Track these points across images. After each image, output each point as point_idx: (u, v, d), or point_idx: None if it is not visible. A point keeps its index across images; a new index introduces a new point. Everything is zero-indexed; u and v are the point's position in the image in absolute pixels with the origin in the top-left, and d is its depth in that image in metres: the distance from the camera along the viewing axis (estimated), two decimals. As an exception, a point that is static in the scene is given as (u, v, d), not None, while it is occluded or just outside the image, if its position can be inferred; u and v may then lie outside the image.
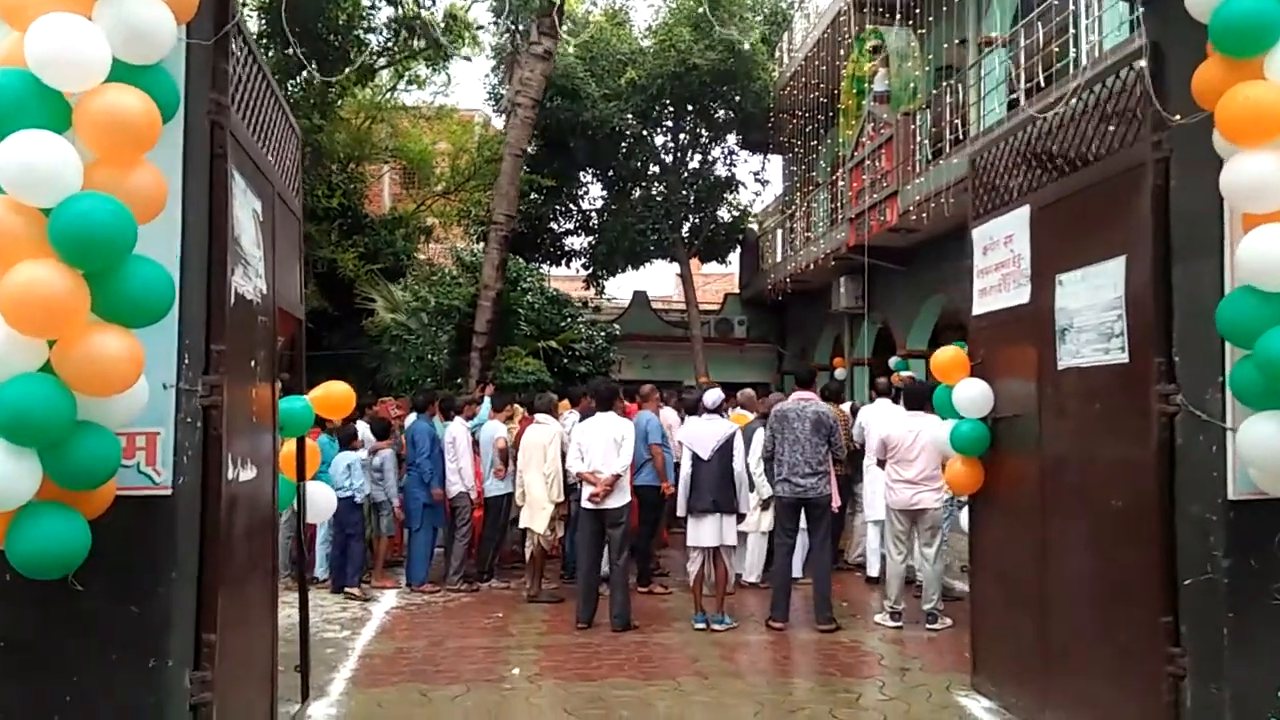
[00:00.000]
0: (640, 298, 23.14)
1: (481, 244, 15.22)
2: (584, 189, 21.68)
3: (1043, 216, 4.85)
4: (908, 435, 7.03)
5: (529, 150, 13.25)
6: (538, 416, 8.05)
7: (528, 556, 8.06)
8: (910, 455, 7.00)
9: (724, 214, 22.29)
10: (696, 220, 21.84)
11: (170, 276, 2.89)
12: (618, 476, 6.98)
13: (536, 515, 7.76)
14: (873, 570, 8.65)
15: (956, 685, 5.56)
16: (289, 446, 5.18)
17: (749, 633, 6.93)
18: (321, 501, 5.31)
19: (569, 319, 13.75)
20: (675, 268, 24.11)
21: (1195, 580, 3.63)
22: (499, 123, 21.23)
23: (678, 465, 8.55)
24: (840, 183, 15.64)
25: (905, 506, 7.01)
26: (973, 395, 5.28)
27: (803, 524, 7.09)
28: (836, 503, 7.00)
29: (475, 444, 9.04)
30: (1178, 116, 3.63)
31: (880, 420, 8.46)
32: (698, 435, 7.10)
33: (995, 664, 5.25)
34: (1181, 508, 3.71)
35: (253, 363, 4.01)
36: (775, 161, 22.95)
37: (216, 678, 3.31)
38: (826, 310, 18.04)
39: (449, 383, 11.90)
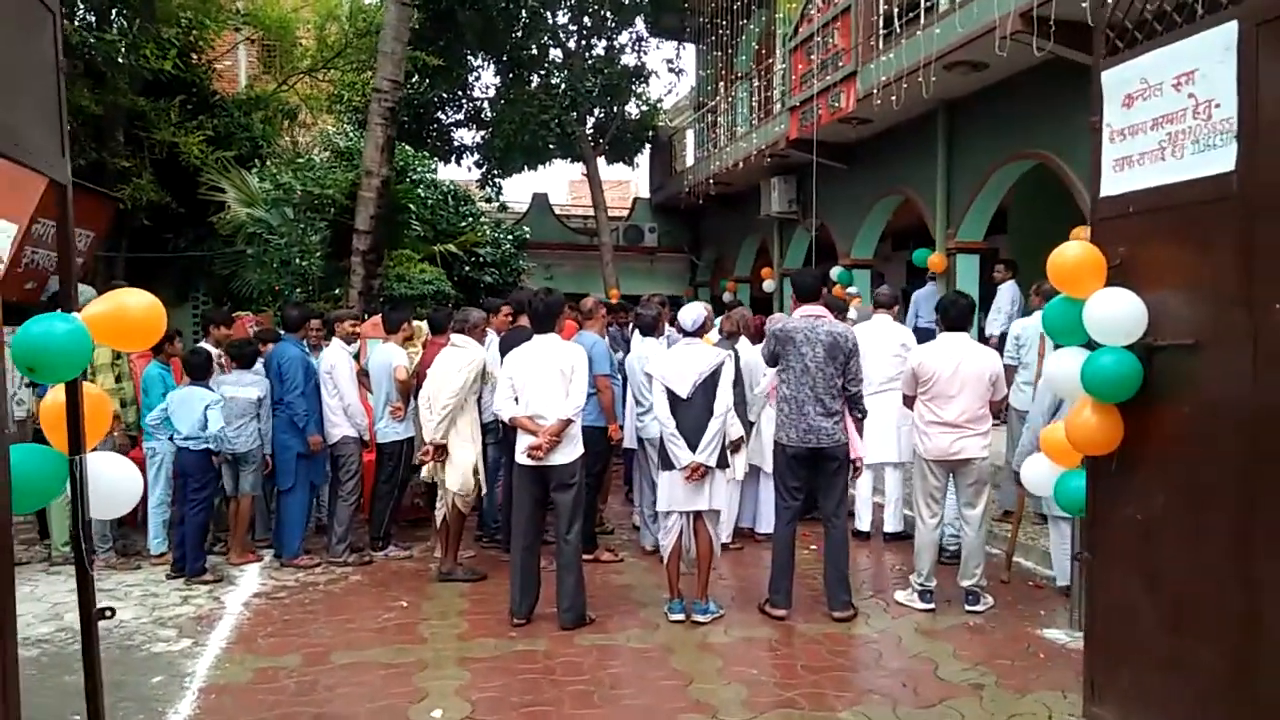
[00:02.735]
0: (540, 200, 20.90)
1: (359, 132, 12.66)
2: (475, 74, 19.10)
3: (1273, 34, 3.13)
4: (946, 364, 5.38)
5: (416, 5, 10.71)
6: (454, 339, 6.02)
7: (438, 521, 6.15)
8: (951, 390, 5.36)
9: (632, 109, 20.15)
10: (602, 115, 19.65)
11: None
12: (568, 422, 5.11)
13: (452, 470, 5.83)
14: (862, 524, 7.14)
15: (1062, 715, 4.03)
16: (56, 397, 3.11)
17: (742, 624, 5.26)
18: (110, 484, 3.24)
19: (469, 219, 11.56)
20: (574, 170, 21.94)
21: None
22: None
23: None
24: (780, 65, 13.73)
25: (943, 456, 5.40)
26: (1119, 313, 3.60)
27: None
28: (857, 453, 5.34)
29: (364, 374, 7.00)
30: None
31: (881, 341, 6.85)
32: (673, 366, 5.27)
33: (1134, 697, 3.70)
34: None
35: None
36: (689, 52, 20.78)
37: None
38: (753, 216, 16.35)
39: (324, 293, 9.65)
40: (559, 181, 39.43)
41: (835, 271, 13.51)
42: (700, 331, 5.40)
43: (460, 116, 19.41)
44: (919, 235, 13.24)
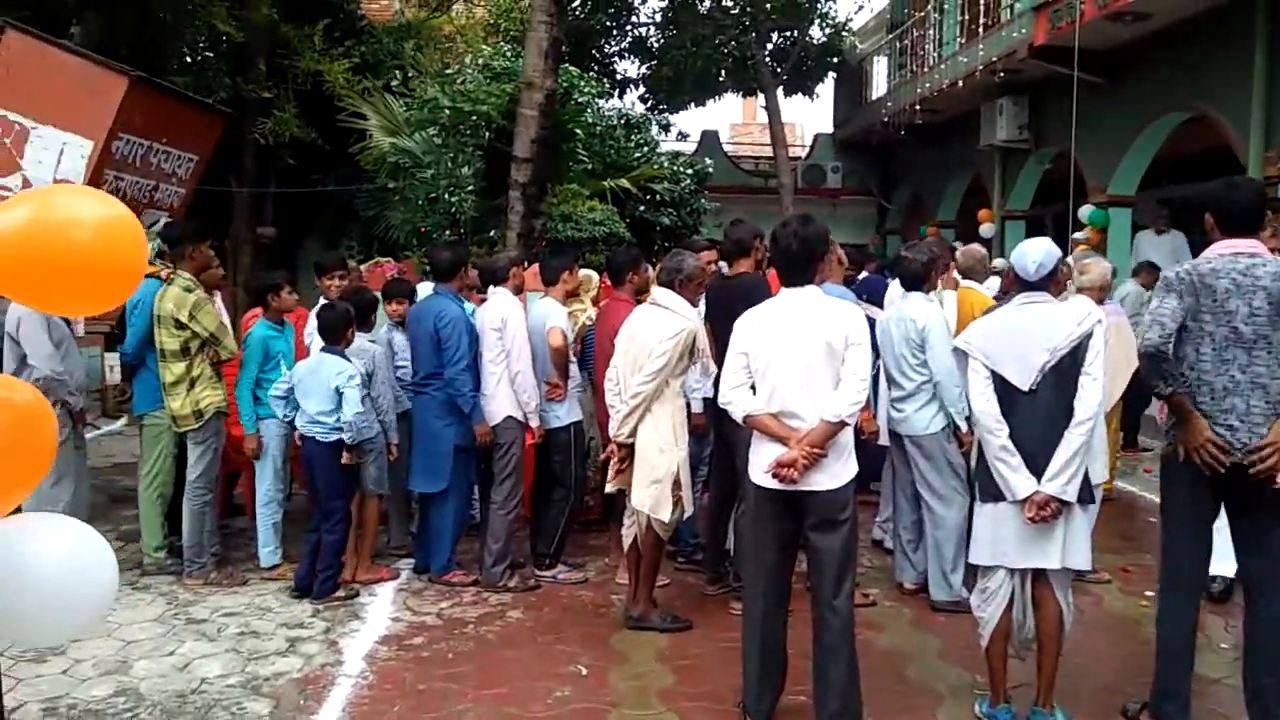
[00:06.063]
0: (711, 139, 18.91)
1: (518, 56, 10.95)
2: (640, -1, 17.27)
3: None
4: None
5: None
6: (658, 295, 4.24)
7: (625, 543, 4.45)
8: None
9: (815, 32, 17.82)
10: (781, 41, 17.47)
11: None
12: (840, 426, 3.25)
13: (646, 484, 4.10)
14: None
15: None
16: None
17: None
18: (44, 586, 1.67)
19: (645, 149, 9.79)
20: (735, 112, 19.89)
21: None
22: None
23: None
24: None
25: None
26: None
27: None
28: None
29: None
30: None
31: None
32: (1004, 339, 3.34)
33: None
34: None
35: None
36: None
37: None
38: (964, 148, 13.91)
39: (477, 236, 8.12)
40: (721, 123, 37.19)
41: (1085, 211, 11.01)
42: (1049, 283, 3.42)
43: (624, 46, 17.72)
44: (1176, 169, 10.74)
